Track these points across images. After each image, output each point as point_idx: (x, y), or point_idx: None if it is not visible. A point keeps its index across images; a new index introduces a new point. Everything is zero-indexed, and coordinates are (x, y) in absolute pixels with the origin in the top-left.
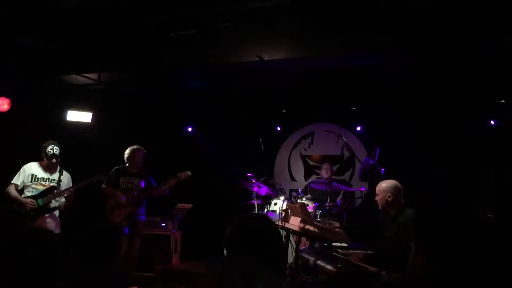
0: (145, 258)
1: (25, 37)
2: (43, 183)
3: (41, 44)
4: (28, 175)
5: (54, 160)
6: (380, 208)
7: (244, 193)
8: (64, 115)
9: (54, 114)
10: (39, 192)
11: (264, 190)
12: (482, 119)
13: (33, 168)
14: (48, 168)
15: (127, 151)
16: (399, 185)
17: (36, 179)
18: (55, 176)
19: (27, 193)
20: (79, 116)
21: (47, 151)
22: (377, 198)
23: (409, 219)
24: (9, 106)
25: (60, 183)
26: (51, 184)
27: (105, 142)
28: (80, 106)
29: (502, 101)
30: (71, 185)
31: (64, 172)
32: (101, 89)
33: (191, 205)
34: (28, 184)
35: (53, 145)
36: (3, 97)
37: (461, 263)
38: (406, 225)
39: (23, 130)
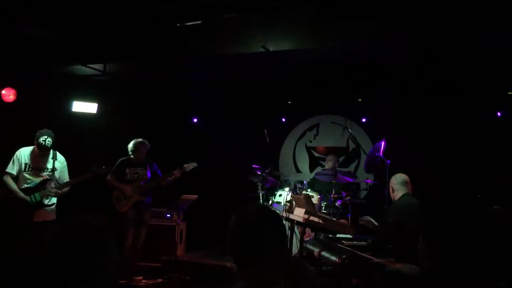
0: (150, 249)
1: (31, 27)
2: (38, 172)
3: (47, 35)
4: (22, 164)
5: (45, 152)
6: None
7: (249, 184)
8: (69, 105)
9: (59, 105)
10: (35, 184)
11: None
12: (490, 111)
13: (26, 156)
14: (41, 156)
15: (131, 145)
16: (404, 176)
17: (30, 169)
18: (49, 164)
19: (24, 184)
20: (84, 106)
21: (39, 142)
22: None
23: (405, 204)
24: (15, 97)
25: (55, 171)
26: (45, 174)
27: (110, 133)
28: (85, 96)
29: (509, 93)
30: (66, 169)
31: (58, 156)
32: (107, 79)
33: (196, 196)
34: (22, 172)
35: (46, 136)
36: (9, 88)
37: (464, 255)
38: (399, 209)
39: (29, 120)
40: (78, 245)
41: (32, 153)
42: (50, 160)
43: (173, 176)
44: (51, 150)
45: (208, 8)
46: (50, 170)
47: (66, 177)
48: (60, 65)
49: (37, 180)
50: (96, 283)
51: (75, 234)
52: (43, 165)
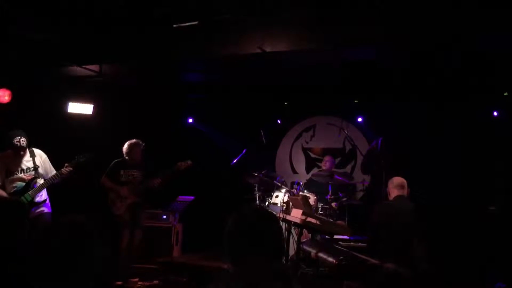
0: (146, 250)
1: (26, 28)
2: (21, 175)
3: (42, 36)
4: (2, 171)
5: (22, 152)
6: None
7: (245, 186)
8: (65, 107)
9: (55, 106)
10: (22, 187)
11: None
12: (487, 111)
13: (4, 162)
14: (18, 157)
15: (125, 146)
16: (400, 180)
17: (13, 174)
18: (29, 163)
19: (12, 189)
20: (80, 108)
21: (14, 143)
22: None
23: (395, 205)
24: (10, 98)
25: (38, 169)
26: (29, 174)
27: (106, 134)
28: (81, 98)
29: (505, 94)
30: (47, 161)
31: (36, 152)
32: (102, 81)
33: (193, 197)
34: (6, 179)
35: (19, 137)
36: (4, 89)
37: (462, 256)
38: (386, 209)
39: (24, 122)
40: (61, 244)
41: (8, 157)
42: (30, 159)
43: (161, 178)
44: (27, 149)
45: (205, 9)
46: (32, 169)
47: (51, 168)
48: (56, 66)
49: (23, 182)
50: (87, 283)
51: (59, 233)
52: (23, 166)
